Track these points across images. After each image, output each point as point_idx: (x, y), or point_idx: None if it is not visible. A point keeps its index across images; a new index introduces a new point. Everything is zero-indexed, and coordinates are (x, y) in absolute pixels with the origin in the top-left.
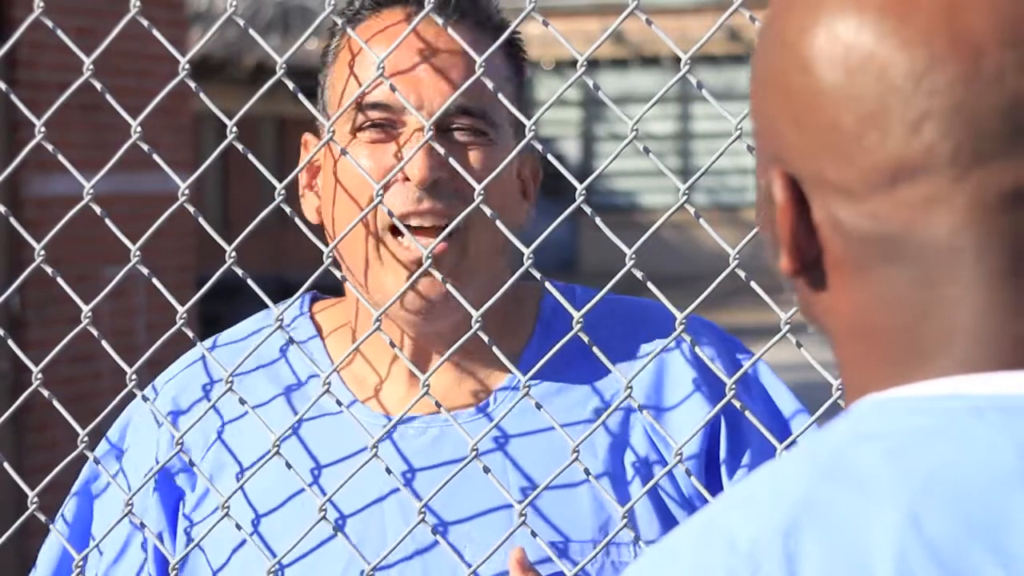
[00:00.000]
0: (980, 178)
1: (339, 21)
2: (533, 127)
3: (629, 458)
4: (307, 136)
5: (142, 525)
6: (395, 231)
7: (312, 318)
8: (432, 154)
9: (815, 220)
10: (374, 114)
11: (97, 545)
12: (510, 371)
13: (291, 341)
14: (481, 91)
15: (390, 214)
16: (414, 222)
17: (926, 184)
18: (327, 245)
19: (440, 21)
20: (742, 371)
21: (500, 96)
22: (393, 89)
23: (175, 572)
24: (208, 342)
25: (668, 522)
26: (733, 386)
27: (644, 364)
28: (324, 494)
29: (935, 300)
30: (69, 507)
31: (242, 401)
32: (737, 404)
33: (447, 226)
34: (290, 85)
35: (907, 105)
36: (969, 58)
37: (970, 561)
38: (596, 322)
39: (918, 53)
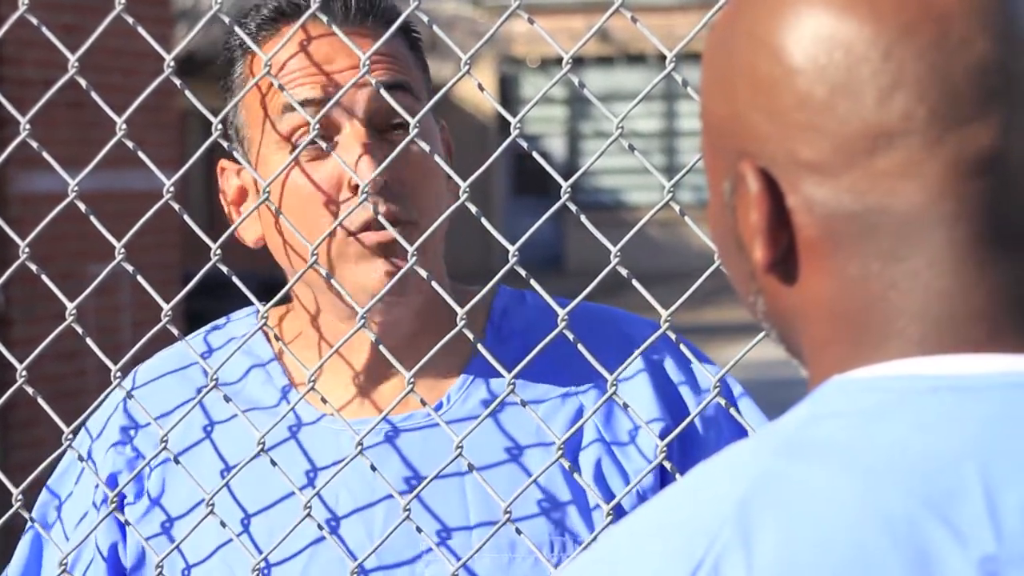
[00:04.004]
0: (956, 142)
1: (249, 44)
2: (518, 125)
3: (583, 458)
4: (224, 163)
5: (126, 523)
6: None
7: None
8: (376, 157)
9: (788, 206)
10: (306, 113)
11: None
12: (462, 373)
13: (278, 339)
14: (407, 88)
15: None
16: (374, 228)
17: (904, 150)
18: (274, 260)
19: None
20: (726, 369)
21: (414, 87)
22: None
23: (158, 571)
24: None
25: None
26: (718, 384)
27: (635, 365)
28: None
29: (902, 275)
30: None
31: (227, 398)
32: (722, 402)
33: (403, 219)
34: (276, 83)
35: (877, 73)
36: (939, 25)
37: (923, 533)
38: (550, 324)
39: (888, 24)
